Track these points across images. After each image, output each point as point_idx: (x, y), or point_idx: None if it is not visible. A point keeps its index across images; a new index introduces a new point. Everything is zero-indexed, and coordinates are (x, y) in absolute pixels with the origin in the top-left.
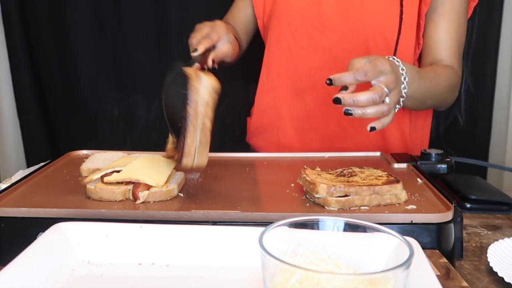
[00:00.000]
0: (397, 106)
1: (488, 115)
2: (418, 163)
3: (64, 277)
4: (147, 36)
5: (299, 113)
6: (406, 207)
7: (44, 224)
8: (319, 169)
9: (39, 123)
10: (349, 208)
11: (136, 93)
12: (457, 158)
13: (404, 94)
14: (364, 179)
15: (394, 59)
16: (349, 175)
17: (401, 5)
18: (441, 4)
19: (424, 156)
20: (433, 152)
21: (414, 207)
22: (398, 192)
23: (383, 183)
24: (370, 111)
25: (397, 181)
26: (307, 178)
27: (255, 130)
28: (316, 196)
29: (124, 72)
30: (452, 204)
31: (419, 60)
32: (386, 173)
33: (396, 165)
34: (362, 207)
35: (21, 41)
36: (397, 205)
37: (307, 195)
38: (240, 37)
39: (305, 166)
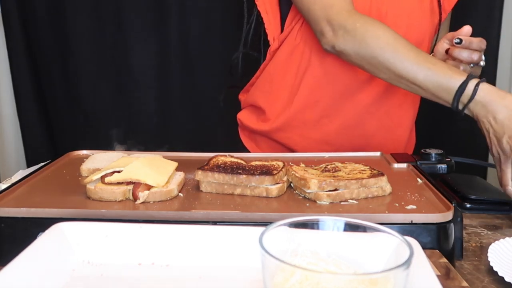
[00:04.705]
0: None
1: None
2: (418, 163)
3: (64, 277)
4: (147, 36)
5: (347, 112)
6: (406, 207)
7: (44, 224)
8: (303, 165)
9: (39, 123)
10: (340, 201)
11: (136, 93)
12: (457, 158)
13: None
14: (348, 174)
15: None
16: (333, 170)
17: (440, 14)
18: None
19: (424, 156)
20: (433, 152)
21: (414, 207)
22: (383, 184)
23: (369, 177)
24: (465, 54)
25: (382, 174)
26: (297, 174)
27: (286, 124)
28: (308, 191)
29: (124, 71)
30: (452, 204)
31: None
32: (368, 167)
33: (396, 165)
34: (350, 200)
35: (21, 41)
36: (383, 197)
37: (296, 191)
38: None
39: (290, 163)
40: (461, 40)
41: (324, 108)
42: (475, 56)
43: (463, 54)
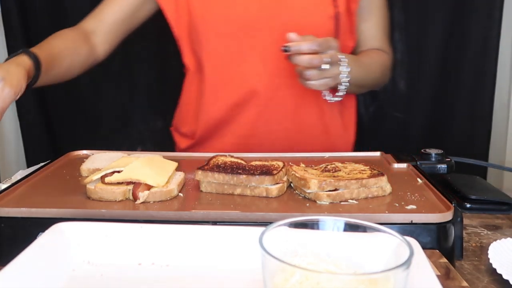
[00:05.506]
0: (340, 93)
1: (488, 115)
2: (418, 163)
3: (64, 277)
4: (148, 35)
5: (241, 123)
6: (406, 207)
7: (44, 224)
8: (303, 165)
9: (39, 123)
10: (340, 201)
11: (136, 93)
12: (457, 158)
13: (346, 81)
14: (348, 174)
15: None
16: (333, 170)
17: (335, 6)
18: (369, 3)
19: (424, 156)
20: (433, 152)
21: (414, 207)
22: (384, 184)
23: (369, 177)
24: (305, 59)
25: (382, 174)
26: (297, 174)
27: (201, 138)
28: (308, 191)
29: (124, 71)
30: (452, 204)
31: (353, 52)
32: (368, 167)
33: (396, 165)
34: (350, 200)
35: (21, 41)
36: (383, 197)
37: (296, 191)
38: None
39: (290, 163)
40: (287, 48)
41: (221, 124)
42: (315, 61)
43: (302, 61)
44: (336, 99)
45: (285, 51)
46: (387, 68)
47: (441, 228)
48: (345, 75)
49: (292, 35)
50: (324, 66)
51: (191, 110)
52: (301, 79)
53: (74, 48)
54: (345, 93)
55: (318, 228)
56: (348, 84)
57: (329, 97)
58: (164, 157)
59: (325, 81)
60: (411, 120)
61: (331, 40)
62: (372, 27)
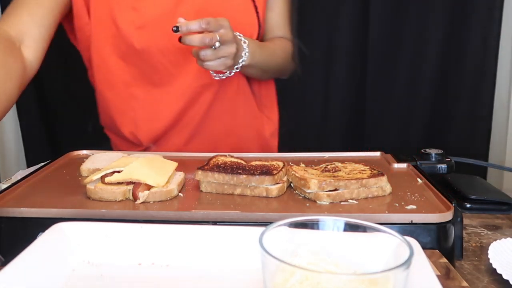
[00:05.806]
0: (236, 67)
1: (488, 115)
2: (418, 163)
3: (64, 277)
4: None
5: (187, 122)
6: (406, 207)
7: (44, 224)
8: (303, 165)
9: (39, 123)
10: (340, 201)
11: None
12: (457, 158)
13: (244, 62)
14: (348, 174)
15: (237, 34)
16: (333, 170)
17: (253, 0)
18: None
19: (424, 156)
20: (433, 152)
21: (414, 207)
22: (384, 184)
23: (369, 177)
24: (196, 38)
25: (382, 174)
26: (297, 174)
27: (150, 139)
28: (308, 191)
29: None
30: (452, 204)
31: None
32: (368, 167)
33: (396, 165)
34: (350, 200)
35: None
36: (383, 197)
37: (296, 191)
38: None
39: (290, 163)
40: (177, 28)
41: (167, 128)
42: (206, 39)
43: (194, 41)
44: (221, 75)
45: (175, 31)
46: (290, 54)
47: (441, 228)
48: (245, 56)
49: (181, 19)
50: (217, 45)
51: (130, 116)
52: (198, 61)
53: (6, 74)
54: (234, 71)
55: (318, 228)
56: (243, 64)
57: (217, 76)
58: (164, 157)
59: (221, 60)
60: (411, 120)
61: (222, 20)
62: (277, 15)
